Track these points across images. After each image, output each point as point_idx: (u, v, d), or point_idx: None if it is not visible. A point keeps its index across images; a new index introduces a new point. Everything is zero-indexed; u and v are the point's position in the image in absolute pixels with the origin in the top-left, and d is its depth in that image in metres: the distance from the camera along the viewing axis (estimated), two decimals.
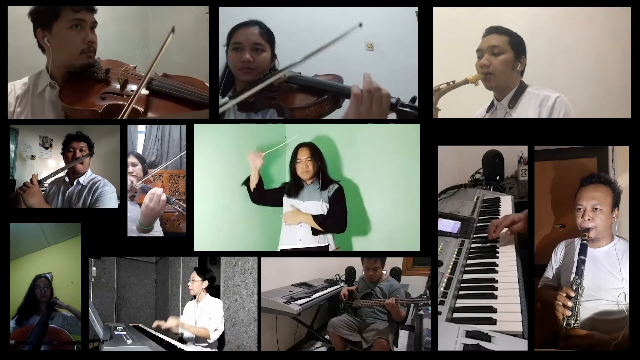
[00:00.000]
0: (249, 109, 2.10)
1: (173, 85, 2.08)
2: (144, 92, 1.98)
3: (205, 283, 2.38)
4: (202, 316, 2.35)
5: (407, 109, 1.95)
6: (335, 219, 2.37)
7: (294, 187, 2.46)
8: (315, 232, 2.36)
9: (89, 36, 1.98)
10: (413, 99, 1.97)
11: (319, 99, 2.00)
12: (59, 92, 2.03)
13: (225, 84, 2.13)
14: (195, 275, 2.38)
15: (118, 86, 2.04)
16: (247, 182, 2.47)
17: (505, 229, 2.22)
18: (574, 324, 1.90)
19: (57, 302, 2.22)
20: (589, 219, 2.01)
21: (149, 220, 2.18)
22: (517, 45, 2.16)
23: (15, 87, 2.17)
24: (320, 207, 2.41)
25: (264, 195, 2.47)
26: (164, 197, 2.16)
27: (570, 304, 1.89)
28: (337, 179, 2.50)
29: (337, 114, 2.06)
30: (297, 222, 2.38)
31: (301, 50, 2.03)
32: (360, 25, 2.00)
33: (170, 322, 2.27)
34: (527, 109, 2.17)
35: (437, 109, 2.19)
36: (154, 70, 2.03)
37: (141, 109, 1.97)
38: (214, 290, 2.41)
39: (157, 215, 2.18)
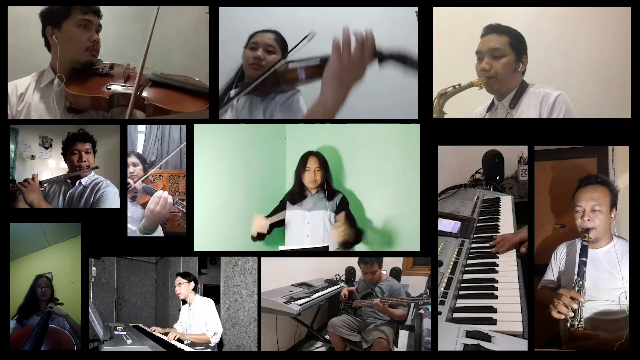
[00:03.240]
0: (255, 91, 2.11)
1: (171, 77, 2.16)
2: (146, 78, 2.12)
3: (192, 284, 2.38)
4: (195, 318, 2.35)
5: (394, 59, 1.93)
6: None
7: (298, 195, 2.49)
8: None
9: (94, 36, 2.09)
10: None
11: (309, 63, 2.01)
12: (65, 83, 2.09)
13: (237, 80, 2.17)
14: (179, 279, 2.38)
15: (122, 80, 2.11)
16: (258, 238, 2.45)
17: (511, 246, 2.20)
18: (578, 325, 1.90)
19: (53, 309, 2.21)
20: (589, 220, 2.01)
21: (154, 225, 2.18)
22: (517, 46, 2.14)
23: (17, 86, 2.17)
24: (327, 216, 2.43)
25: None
26: (170, 199, 2.16)
27: (575, 305, 1.89)
28: (339, 190, 2.52)
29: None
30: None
31: (302, 49, 2.03)
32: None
33: (170, 336, 2.27)
34: (528, 109, 2.17)
35: (443, 112, 2.19)
36: (153, 69, 2.12)
37: (144, 99, 2.06)
38: (213, 290, 2.41)
39: (163, 218, 2.18)
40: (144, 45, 2.08)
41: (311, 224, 2.45)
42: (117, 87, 2.06)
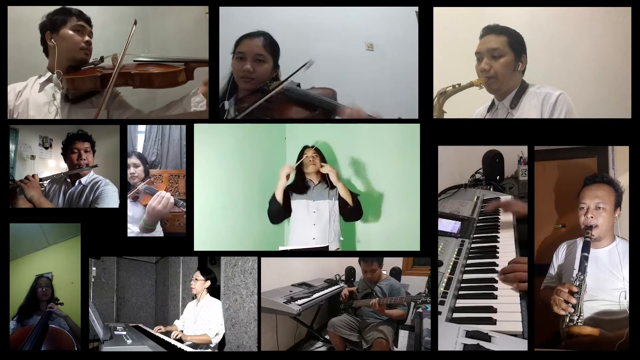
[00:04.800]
0: (248, 117, 2.12)
1: (154, 57, 2.26)
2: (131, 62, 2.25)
3: (208, 283, 2.40)
4: (201, 316, 2.35)
5: None
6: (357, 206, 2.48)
7: (301, 186, 2.52)
8: (344, 204, 2.46)
9: (86, 38, 2.23)
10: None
11: (311, 113, 2.07)
12: (63, 74, 2.21)
13: (230, 89, 2.16)
14: (198, 274, 2.39)
15: (112, 64, 2.21)
16: (272, 202, 2.46)
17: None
18: (577, 320, 1.90)
19: (53, 309, 2.21)
20: (592, 217, 2.01)
21: (154, 220, 2.19)
22: (516, 45, 2.14)
23: (15, 88, 2.22)
24: (332, 204, 2.47)
25: (287, 206, 2.50)
26: (172, 200, 2.18)
27: (573, 300, 1.88)
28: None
29: None
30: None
31: (303, 50, 2.04)
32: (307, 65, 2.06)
33: (172, 336, 2.28)
34: (529, 109, 2.16)
35: (443, 111, 2.19)
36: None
37: (130, 71, 2.17)
38: (214, 290, 2.42)
39: (163, 217, 2.21)
40: (142, 44, 2.13)
41: (317, 213, 2.48)
42: (107, 71, 2.19)
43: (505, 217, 2.42)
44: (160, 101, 2.26)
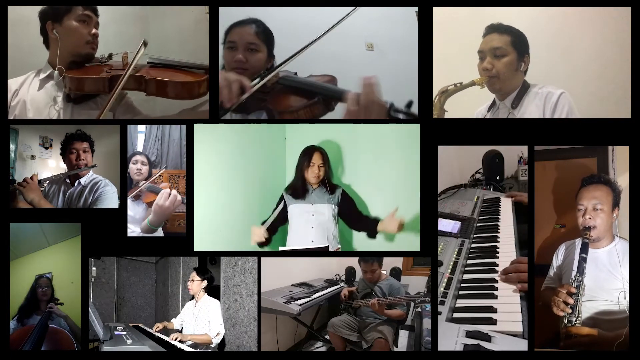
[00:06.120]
0: (242, 110, 2.07)
1: (169, 60, 2.19)
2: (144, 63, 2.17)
3: (204, 283, 2.39)
4: (200, 316, 2.35)
5: (400, 115, 1.88)
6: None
7: (301, 189, 2.46)
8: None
9: (93, 30, 2.14)
10: (409, 104, 1.91)
11: (309, 101, 1.96)
12: (66, 71, 2.12)
13: None
14: (194, 275, 2.39)
15: (121, 66, 2.14)
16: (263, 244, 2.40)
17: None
18: (576, 321, 1.90)
19: (53, 309, 2.21)
20: (590, 218, 2.01)
21: (161, 220, 2.16)
22: (519, 45, 2.14)
23: (10, 86, 2.18)
24: (331, 209, 2.43)
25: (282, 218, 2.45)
26: (179, 197, 2.15)
27: (571, 301, 1.89)
28: (337, 184, 2.52)
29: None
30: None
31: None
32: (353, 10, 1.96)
33: (172, 337, 2.28)
34: (530, 109, 2.16)
35: (444, 110, 2.18)
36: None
37: (144, 76, 2.09)
38: (213, 290, 2.42)
39: (169, 214, 2.16)
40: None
41: (316, 216, 2.43)
42: (115, 72, 2.09)
43: (505, 217, 2.42)
44: (160, 102, 2.25)
